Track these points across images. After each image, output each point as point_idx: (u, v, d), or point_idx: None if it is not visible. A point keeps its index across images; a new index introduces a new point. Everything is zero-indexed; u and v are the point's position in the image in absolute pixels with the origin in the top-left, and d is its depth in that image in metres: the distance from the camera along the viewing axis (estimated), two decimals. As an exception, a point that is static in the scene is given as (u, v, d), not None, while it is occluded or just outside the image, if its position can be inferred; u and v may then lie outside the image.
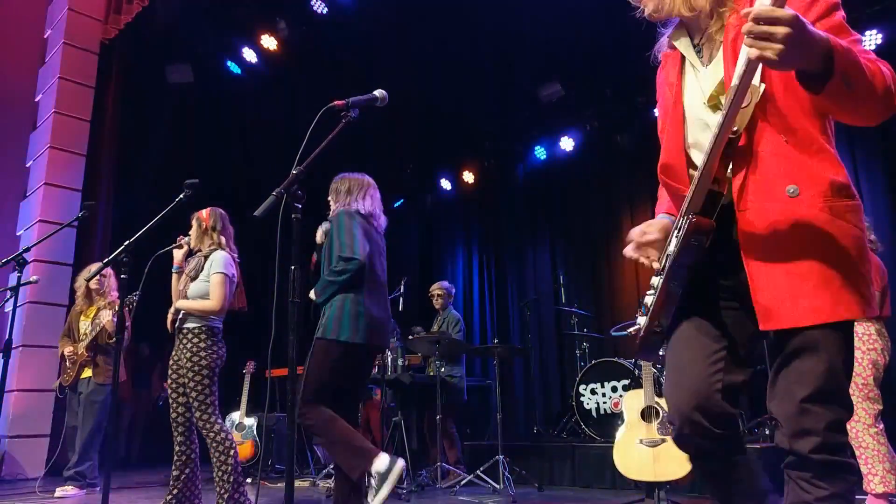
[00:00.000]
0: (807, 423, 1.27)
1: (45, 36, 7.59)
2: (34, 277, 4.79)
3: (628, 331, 1.59)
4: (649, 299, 1.41)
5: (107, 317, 4.92)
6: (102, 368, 4.99)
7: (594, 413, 5.46)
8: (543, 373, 8.29)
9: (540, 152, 8.50)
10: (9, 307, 3.86)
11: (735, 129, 1.32)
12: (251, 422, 6.13)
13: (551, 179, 8.91)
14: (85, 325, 5.09)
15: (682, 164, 1.47)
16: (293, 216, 2.07)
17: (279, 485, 5.33)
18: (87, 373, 5.03)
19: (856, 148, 6.02)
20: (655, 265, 1.48)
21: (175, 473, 3.52)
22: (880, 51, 5.62)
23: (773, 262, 1.30)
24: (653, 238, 1.49)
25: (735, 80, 1.24)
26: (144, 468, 6.51)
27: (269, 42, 7.23)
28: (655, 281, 1.41)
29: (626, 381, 5.28)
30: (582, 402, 5.54)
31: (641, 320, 1.43)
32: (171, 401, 3.62)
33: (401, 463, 2.79)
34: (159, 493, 4.66)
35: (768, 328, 1.31)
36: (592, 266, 8.27)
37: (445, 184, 9.43)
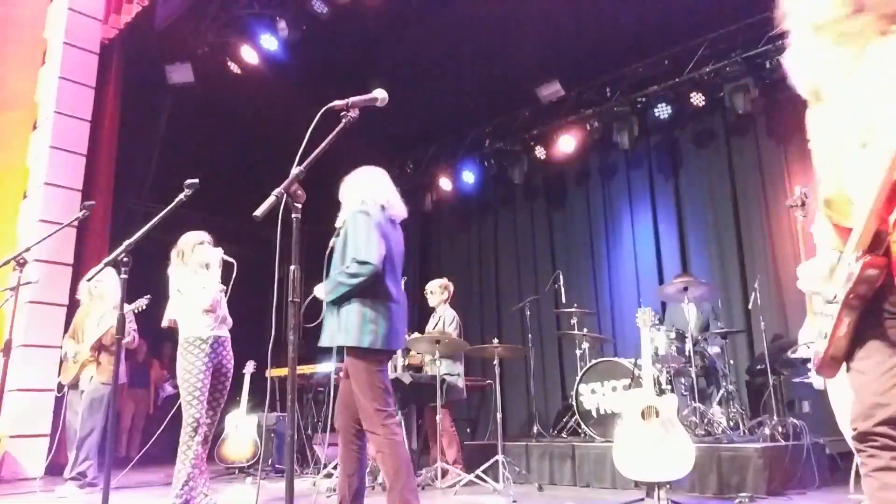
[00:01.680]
0: None
1: (45, 36, 7.59)
2: (34, 277, 4.78)
3: (802, 354, 1.77)
4: (824, 325, 1.56)
5: (114, 317, 4.86)
6: (106, 367, 4.96)
7: (594, 413, 5.46)
8: (543, 373, 8.29)
9: (540, 152, 8.50)
10: (9, 307, 3.87)
11: None
12: (251, 422, 6.13)
13: (551, 179, 8.91)
14: (90, 326, 5.05)
15: (842, 199, 1.60)
16: (293, 216, 2.07)
17: (279, 485, 5.33)
18: (91, 371, 5.00)
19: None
20: (826, 295, 1.60)
21: (195, 473, 3.69)
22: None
23: None
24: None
25: None
26: (144, 468, 6.49)
27: (269, 42, 7.23)
28: (830, 309, 1.55)
29: (626, 381, 5.28)
30: (582, 402, 5.54)
31: (821, 343, 1.58)
32: (199, 404, 3.78)
33: None
34: (159, 493, 4.66)
35: None
36: (592, 266, 8.27)
37: (445, 184, 9.43)
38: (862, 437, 1.49)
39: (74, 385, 5.04)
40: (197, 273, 4.01)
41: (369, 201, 3.08)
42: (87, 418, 4.88)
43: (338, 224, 3.22)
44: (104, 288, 5.08)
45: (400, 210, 3.21)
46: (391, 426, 2.84)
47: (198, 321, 3.95)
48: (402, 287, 3.20)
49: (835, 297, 1.54)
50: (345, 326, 2.90)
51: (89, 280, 4.79)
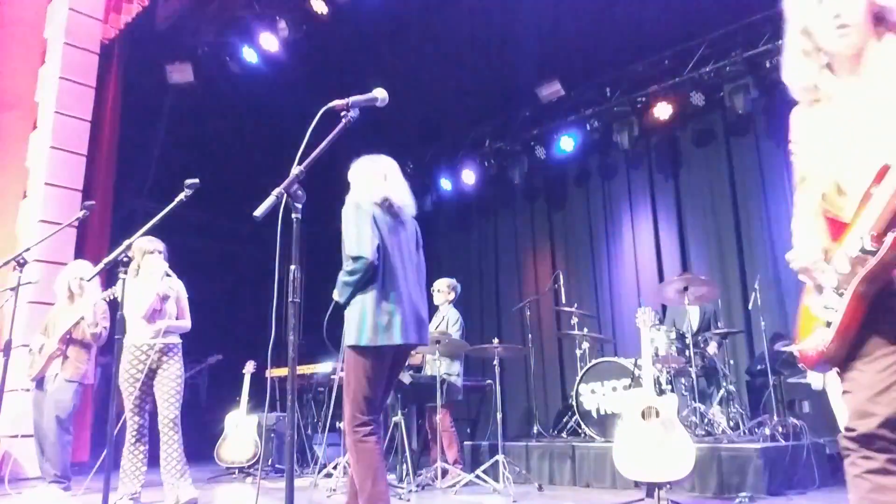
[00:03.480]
0: None
1: (45, 36, 7.59)
2: (34, 277, 4.75)
3: (791, 348, 1.69)
4: (832, 317, 1.49)
5: (88, 309, 4.65)
6: (72, 363, 4.71)
7: (594, 413, 5.46)
8: (543, 373, 8.29)
9: (540, 152, 8.50)
10: (9, 307, 3.87)
11: None
12: (251, 422, 6.14)
13: (551, 179, 8.91)
14: (62, 322, 4.81)
15: (835, 195, 1.58)
16: (293, 216, 2.07)
17: (279, 485, 5.33)
18: (56, 368, 4.73)
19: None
20: (828, 282, 1.53)
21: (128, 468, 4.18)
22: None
23: None
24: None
25: None
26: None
27: (269, 42, 7.23)
28: (833, 301, 1.49)
29: (626, 381, 5.28)
30: (582, 402, 5.54)
31: (825, 334, 1.50)
32: (134, 408, 4.10)
33: None
34: (160, 492, 4.66)
35: None
36: (592, 266, 8.27)
37: (445, 184, 9.43)
38: (864, 438, 1.45)
39: (40, 382, 4.78)
40: (144, 280, 4.10)
41: (364, 193, 3.04)
42: (51, 419, 4.65)
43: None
44: (87, 285, 4.79)
45: (403, 204, 3.12)
46: (361, 435, 2.81)
47: (135, 327, 4.08)
48: (415, 281, 3.12)
49: (837, 287, 1.49)
50: (349, 325, 2.88)
51: (89, 280, 4.74)
